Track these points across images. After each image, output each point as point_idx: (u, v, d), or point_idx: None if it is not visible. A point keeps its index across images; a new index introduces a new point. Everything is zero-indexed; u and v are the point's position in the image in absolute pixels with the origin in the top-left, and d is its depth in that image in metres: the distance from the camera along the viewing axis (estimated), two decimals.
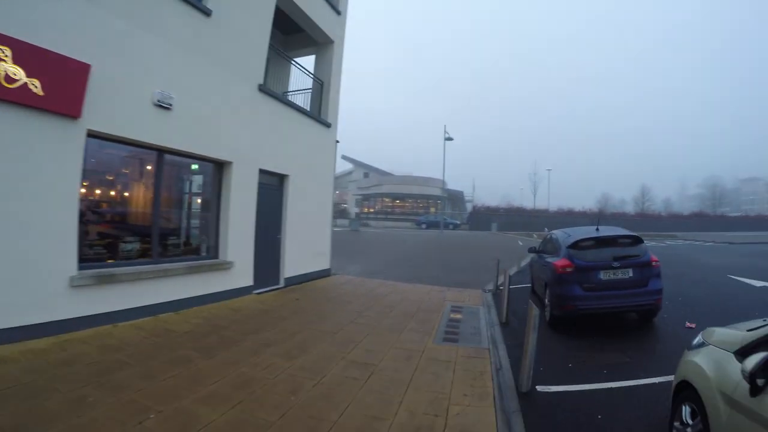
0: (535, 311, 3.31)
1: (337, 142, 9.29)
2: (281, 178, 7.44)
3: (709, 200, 59.05)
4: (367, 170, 55.00)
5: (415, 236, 23.75)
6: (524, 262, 11.55)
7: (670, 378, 2.71)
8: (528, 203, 44.27)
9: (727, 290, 7.58)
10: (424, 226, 36.20)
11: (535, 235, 18.21)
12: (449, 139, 29.04)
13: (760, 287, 7.80)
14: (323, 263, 8.69)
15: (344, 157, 57.29)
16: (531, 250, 7.66)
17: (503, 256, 9.05)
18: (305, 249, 7.92)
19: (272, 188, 7.21)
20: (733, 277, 9.12)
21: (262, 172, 6.72)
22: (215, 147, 5.75)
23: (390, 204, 46.20)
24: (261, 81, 6.57)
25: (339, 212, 50.17)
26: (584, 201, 52.55)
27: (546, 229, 20.26)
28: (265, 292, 6.79)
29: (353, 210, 48.91)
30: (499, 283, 7.71)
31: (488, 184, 77.10)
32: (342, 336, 4.52)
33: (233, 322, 4.82)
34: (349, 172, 58.43)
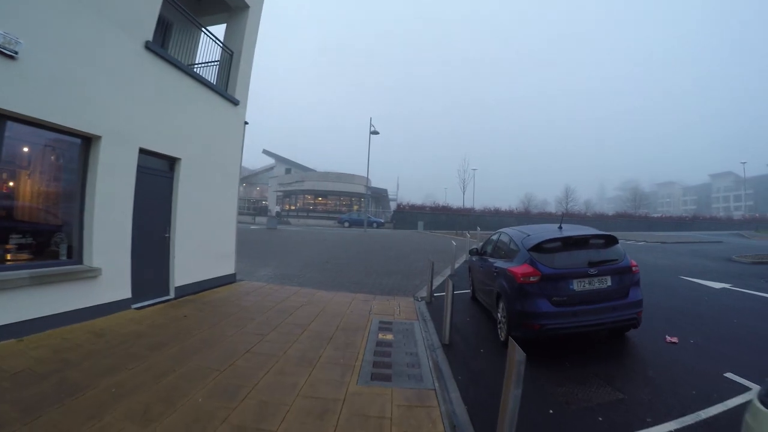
0: (518, 355, 2.15)
1: (246, 123, 8.04)
2: (172, 162, 6.15)
3: (630, 201, 65.80)
4: (290, 166, 53.80)
5: (337, 235, 22.96)
6: (459, 264, 11.09)
7: (690, 421, 2.02)
8: (454, 202, 44.66)
9: (687, 293, 7.46)
10: (347, 224, 35.68)
11: (468, 234, 17.91)
12: (375, 132, 28.39)
13: (721, 289, 7.87)
14: (227, 267, 7.43)
15: (265, 152, 55.92)
16: (473, 252, 6.97)
17: (435, 257, 8.35)
18: (203, 251, 6.68)
19: (159, 174, 5.90)
20: (686, 278, 9.21)
21: (143, 152, 5.43)
22: (79, 115, 4.44)
23: (312, 201, 45.53)
24: (149, 37, 5.26)
25: (259, 209, 48.19)
26: (509, 201, 55.11)
27: (478, 228, 20.22)
28: (148, 306, 5.49)
29: (274, 207, 47.06)
30: (433, 288, 6.96)
31: (412, 183, 78.86)
32: (230, 376, 3.40)
33: (89, 355, 3.62)
34: (271, 168, 56.99)
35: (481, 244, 7.09)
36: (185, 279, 6.28)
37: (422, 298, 7.08)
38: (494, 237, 6.26)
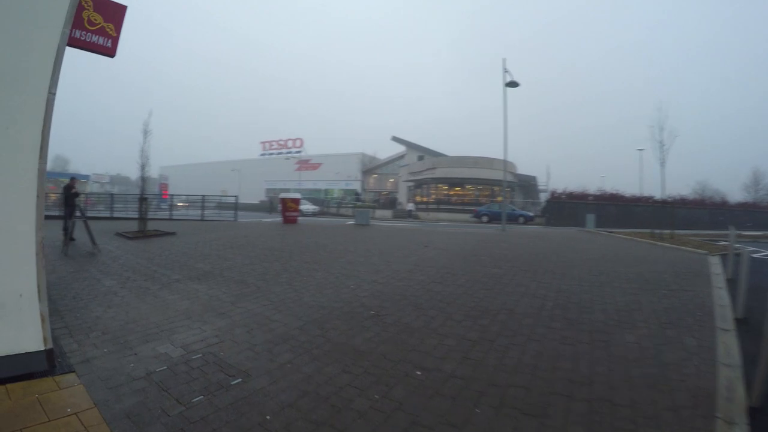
0: None
1: None
2: None
3: None
4: (422, 152, 50.50)
5: (462, 237, 16.94)
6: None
7: None
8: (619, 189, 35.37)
9: None
10: (485, 218, 29.96)
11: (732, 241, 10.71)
12: (512, 84, 21.79)
13: None
14: (11, 339, 3.19)
15: (395, 139, 54.82)
16: None
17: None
18: None
19: None
20: None
21: None
22: None
23: (446, 192, 41.26)
24: None
25: (386, 202, 46.17)
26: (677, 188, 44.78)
27: (733, 229, 11.59)
28: None
29: (405, 199, 45.05)
30: None
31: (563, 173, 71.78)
32: None
33: None
34: (401, 156, 54.92)
35: None
36: None
37: None
38: None
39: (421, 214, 37.88)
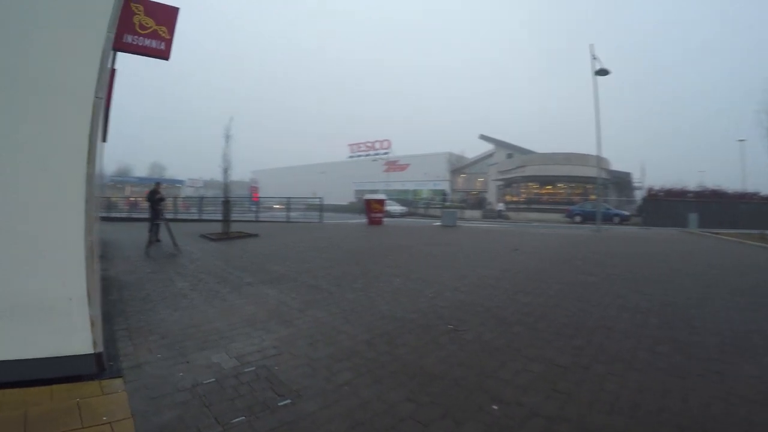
0: None
1: None
2: None
3: None
4: (511, 150, 49.17)
5: (554, 239, 15.48)
6: None
7: None
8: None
9: None
10: (578, 218, 28.34)
11: None
12: (602, 72, 20.07)
13: None
14: (57, 339, 3.24)
15: (482, 137, 54.05)
16: None
17: None
18: None
19: None
20: None
21: None
22: None
23: (537, 190, 40.29)
24: None
25: (475, 202, 45.51)
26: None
27: None
28: None
29: (495, 199, 44.03)
30: None
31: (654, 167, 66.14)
32: None
33: None
34: (490, 154, 54.02)
35: None
36: None
37: None
38: None
39: (511, 214, 36.75)
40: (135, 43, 3.97)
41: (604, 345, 4.22)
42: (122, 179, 54.38)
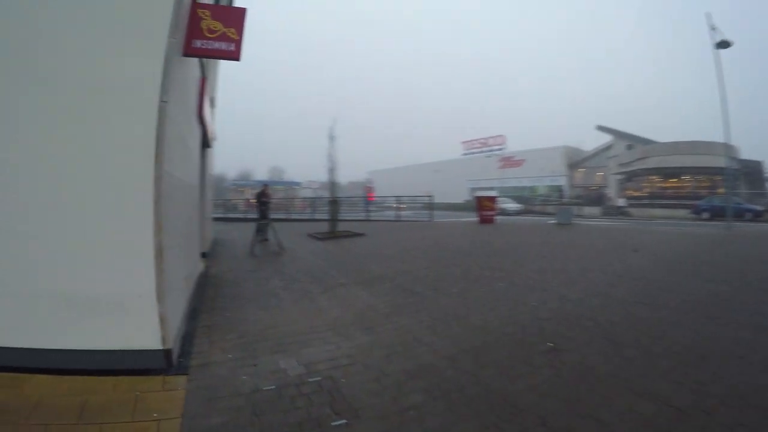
0: None
1: None
2: None
3: None
4: (631, 141, 45.05)
5: (679, 238, 12.78)
6: None
7: None
8: None
9: None
10: (705, 214, 25.44)
11: None
12: (724, 44, 16.73)
13: None
14: (125, 333, 3.45)
15: (600, 128, 50.57)
16: None
17: None
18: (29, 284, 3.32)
19: None
20: None
21: None
22: None
23: (660, 184, 36.76)
24: None
25: (593, 198, 42.27)
26: None
27: None
28: None
29: (615, 194, 41.59)
30: None
31: None
32: None
33: None
34: (608, 146, 49.71)
35: None
36: None
37: None
38: None
39: (633, 210, 33.29)
40: (205, 47, 4.10)
41: (736, 381, 3.17)
42: (243, 183, 59.12)
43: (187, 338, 4.25)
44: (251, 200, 18.49)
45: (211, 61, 9.08)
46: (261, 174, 78.21)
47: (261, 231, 11.58)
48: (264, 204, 12.50)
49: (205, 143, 8.59)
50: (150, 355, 3.42)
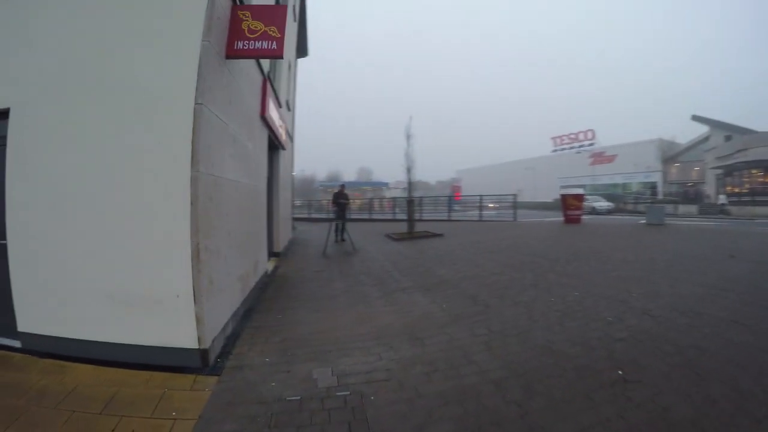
0: None
1: None
2: None
3: None
4: (729, 131, 40.24)
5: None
6: None
7: None
8: None
9: None
10: None
11: None
12: None
13: None
14: (169, 331, 3.64)
15: (695, 118, 45.56)
16: None
17: None
18: (87, 284, 3.65)
19: None
20: None
21: None
22: None
23: (762, 178, 32.47)
24: None
25: (689, 195, 38.69)
26: None
27: None
28: None
29: (715, 191, 37.78)
30: None
31: None
32: None
33: None
34: (705, 139, 45.17)
35: None
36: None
37: None
38: None
39: (733, 208, 29.43)
40: (247, 47, 4.11)
41: None
42: (330, 183, 61.14)
43: (232, 339, 4.32)
44: (329, 200, 18.94)
45: (282, 65, 9.30)
46: (349, 175, 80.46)
47: (337, 231, 11.71)
48: (341, 204, 12.65)
49: (274, 145, 8.80)
50: (185, 354, 3.51)
